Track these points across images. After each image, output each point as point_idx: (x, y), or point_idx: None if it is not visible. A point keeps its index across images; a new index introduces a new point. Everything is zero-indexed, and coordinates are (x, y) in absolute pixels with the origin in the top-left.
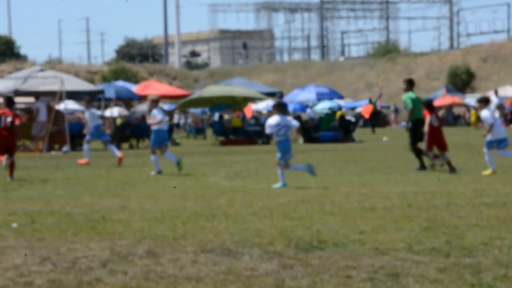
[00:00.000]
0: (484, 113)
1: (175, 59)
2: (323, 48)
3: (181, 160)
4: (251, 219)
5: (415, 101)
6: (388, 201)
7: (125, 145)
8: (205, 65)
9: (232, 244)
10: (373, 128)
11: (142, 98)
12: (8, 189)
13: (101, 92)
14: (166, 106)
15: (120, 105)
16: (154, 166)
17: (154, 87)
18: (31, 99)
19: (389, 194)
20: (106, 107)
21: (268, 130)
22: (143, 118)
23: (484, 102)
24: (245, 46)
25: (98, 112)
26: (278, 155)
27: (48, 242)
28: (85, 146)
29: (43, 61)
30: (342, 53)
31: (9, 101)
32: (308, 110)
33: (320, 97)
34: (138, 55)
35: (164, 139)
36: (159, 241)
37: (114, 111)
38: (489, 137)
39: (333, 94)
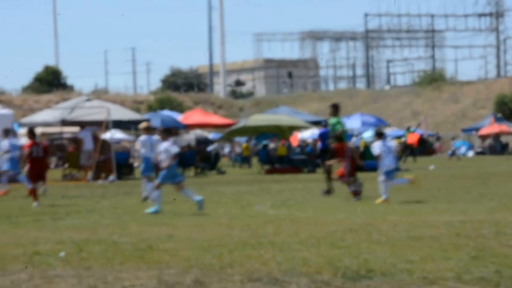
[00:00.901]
0: None
1: (220, 88)
2: (369, 77)
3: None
4: (298, 248)
5: (339, 126)
6: (436, 230)
7: None
8: (250, 94)
9: (279, 273)
10: (414, 157)
11: (187, 127)
12: (56, 218)
13: (147, 121)
14: (212, 135)
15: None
16: (148, 196)
17: (198, 116)
18: (78, 129)
19: (436, 223)
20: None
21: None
22: (188, 147)
23: None
24: (290, 75)
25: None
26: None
27: (96, 271)
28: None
29: (89, 91)
30: (388, 81)
31: (32, 133)
32: (354, 139)
33: (365, 126)
34: (184, 85)
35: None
36: (206, 270)
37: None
38: None
39: (379, 123)
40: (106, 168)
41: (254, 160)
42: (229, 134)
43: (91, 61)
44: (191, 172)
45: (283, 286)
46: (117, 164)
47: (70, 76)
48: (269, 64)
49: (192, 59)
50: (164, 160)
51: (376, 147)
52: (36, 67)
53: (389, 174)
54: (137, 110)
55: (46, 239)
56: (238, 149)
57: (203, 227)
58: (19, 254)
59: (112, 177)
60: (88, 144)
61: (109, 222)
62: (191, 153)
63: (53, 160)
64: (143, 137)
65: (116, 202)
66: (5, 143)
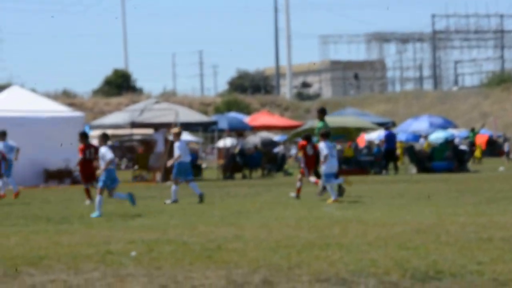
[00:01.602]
0: None
1: (286, 90)
2: (436, 78)
3: (203, 194)
4: (366, 249)
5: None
6: (506, 231)
7: (238, 175)
8: (316, 96)
9: (347, 274)
10: (479, 158)
11: (254, 129)
12: (127, 218)
13: (215, 123)
14: (278, 137)
15: (232, 135)
16: (172, 195)
17: (265, 118)
18: (147, 131)
19: (507, 224)
20: (219, 138)
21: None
22: (255, 148)
23: None
24: (356, 76)
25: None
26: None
27: (166, 271)
28: None
29: (158, 94)
30: (456, 82)
31: (84, 136)
32: (421, 140)
33: (433, 127)
34: (250, 87)
35: (188, 170)
36: (274, 270)
37: (227, 142)
38: None
39: (447, 124)
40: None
41: None
42: (295, 135)
43: (160, 64)
44: (258, 173)
45: (351, 287)
46: None
47: (139, 79)
48: (336, 66)
49: (259, 62)
50: (102, 165)
51: (323, 148)
52: (105, 71)
53: (329, 176)
54: (205, 112)
55: (117, 239)
56: None
57: (270, 228)
58: (92, 253)
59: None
60: (160, 146)
61: (178, 222)
62: (258, 155)
63: (123, 162)
64: (178, 143)
65: (184, 203)
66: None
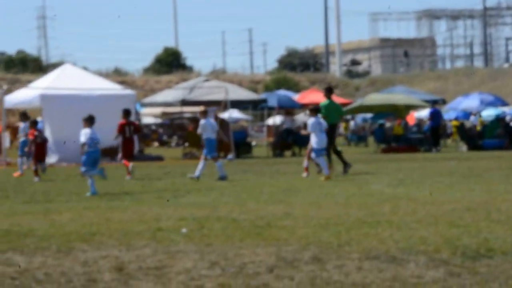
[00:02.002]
0: None
1: (336, 68)
2: (487, 55)
3: (227, 176)
4: (415, 227)
5: (329, 108)
6: None
7: (287, 153)
8: (366, 73)
9: (397, 251)
10: None
11: (303, 107)
12: (177, 195)
13: (264, 101)
14: None
15: (281, 113)
16: (197, 170)
17: (314, 96)
18: (197, 109)
19: None
20: (269, 115)
21: (83, 139)
22: (304, 126)
23: None
24: (406, 54)
25: None
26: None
27: (216, 247)
28: None
29: (208, 72)
30: (507, 59)
31: (127, 113)
32: (472, 118)
33: (484, 105)
34: (300, 65)
35: (213, 147)
36: (323, 248)
37: (276, 120)
38: None
39: (498, 101)
40: (224, 147)
41: (370, 139)
42: (345, 113)
43: (210, 42)
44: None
45: (401, 264)
46: (235, 143)
47: (189, 57)
48: (385, 43)
49: (308, 39)
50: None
51: (310, 125)
52: (156, 49)
53: (319, 152)
54: (254, 90)
55: (168, 216)
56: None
57: (320, 205)
58: (143, 230)
59: (230, 155)
60: None
61: (228, 200)
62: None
63: (173, 139)
64: (203, 121)
65: (234, 180)
66: (24, 127)
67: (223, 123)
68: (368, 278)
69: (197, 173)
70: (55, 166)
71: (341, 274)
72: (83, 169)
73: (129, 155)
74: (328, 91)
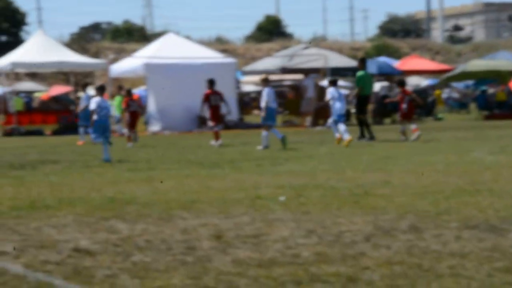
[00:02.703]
0: None
1: (437, 34)
2: None
3: (285, 136)
4: None
5: (364, 79)
6: None
7: (387, 120)
8: (468, 39)
9: (497, 221)
10: None
11: (404, 74)
12: (276, 163)
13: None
14: (428, 81)
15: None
16: (262, 142)
17: (415, 62)
18: (297, 76)
19: None
20: None
21: (93, 106)
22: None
23: None
24: (510, 18)
25: None
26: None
27: (314, 216)
28: None
29: (308, 39)
30: None
31: (211, 83)
32: None
33: None
34: (401, 31)
35: (273, 116)
36: (421, 216)
37: (376, 87)
38: None
39: None
40: (324, 115)
41: (472, 106)
42: (447, 79)
43: (310, 9)
44: None
45: (502, 234)
46: None
47: (290, 25)
48: (489, 8)
49: (409, 5)
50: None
51: (329, 93)
52: (257, 17)
53: (341, 118)
54: (354, 57)
55: (266, 184)
56: (455, 95)
57: (418, 173)
58: (242, 197)
59: (330, 123)
60: (310, 92)
61: (326, 167)
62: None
63: None
64: (266, 89)
65: (333, 148)
66: (85, 97)
67: (322, 91)
68: (467, 248)
69: (264, 143)
70: (159, 134)
71: (438, 244)
72: (92, 136)
73: (217, 122)
74: (362, 62)
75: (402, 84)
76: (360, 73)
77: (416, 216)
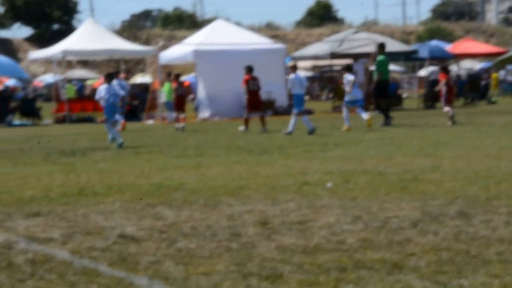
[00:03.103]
0: None
1: (492, 16)
2: None
3: (315, 128)
4: None
5: (384, 64)
6: None
7: (439, 105)
8: None
9: None
10: None
11: (457, 57)
12: (325, 149)
13: (415, 52)
14: (482, 64)
15: (434, 64)
16: (289, 126)
17: (469, 46)
18: (347, 61)
19: None
20: (420, 67)
21: (97, 97)
22: (458, 77)
23: None
24: None
25: None
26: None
27: (360, 202)
28: None
29: (359, 23)
30: None
31: (249, 69)
32: None
33: None
34: (454, 13)
35: (300, 103)
36: (471, 202)
37: (428, 71)
38: None
39: None
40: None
41: None
42: (500, 62)
43: None
44: (460, 102)
45: None
46: None
47: (341, 9)
48: None
49: None
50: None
51: (346, 80)
52: (308, 2)
53: (356, 103)
54: (406, 41)
55: (314, 170)
56: (510, 78)
57: (469, 158)
58: (289, 184)
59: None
60: (360, 77)
61: (375, 153)
62: (460, 83)
63: (324, 93)
64: (292, 76)
65: (383, 133)
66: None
67: (371, 76)
68: None
69: (290, 128)
70: (208, 120)
71: (487, 229)
72: (104, 117)
73: (254, 108)
74: (381, 47)
75: (444, 70)
76: (380, 57)
77: (465, 202)
